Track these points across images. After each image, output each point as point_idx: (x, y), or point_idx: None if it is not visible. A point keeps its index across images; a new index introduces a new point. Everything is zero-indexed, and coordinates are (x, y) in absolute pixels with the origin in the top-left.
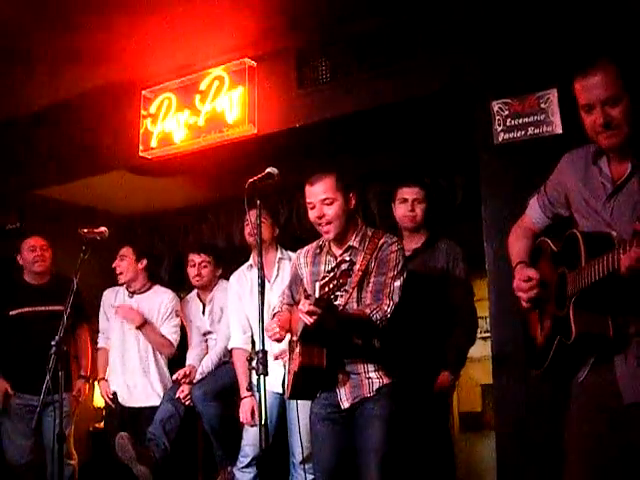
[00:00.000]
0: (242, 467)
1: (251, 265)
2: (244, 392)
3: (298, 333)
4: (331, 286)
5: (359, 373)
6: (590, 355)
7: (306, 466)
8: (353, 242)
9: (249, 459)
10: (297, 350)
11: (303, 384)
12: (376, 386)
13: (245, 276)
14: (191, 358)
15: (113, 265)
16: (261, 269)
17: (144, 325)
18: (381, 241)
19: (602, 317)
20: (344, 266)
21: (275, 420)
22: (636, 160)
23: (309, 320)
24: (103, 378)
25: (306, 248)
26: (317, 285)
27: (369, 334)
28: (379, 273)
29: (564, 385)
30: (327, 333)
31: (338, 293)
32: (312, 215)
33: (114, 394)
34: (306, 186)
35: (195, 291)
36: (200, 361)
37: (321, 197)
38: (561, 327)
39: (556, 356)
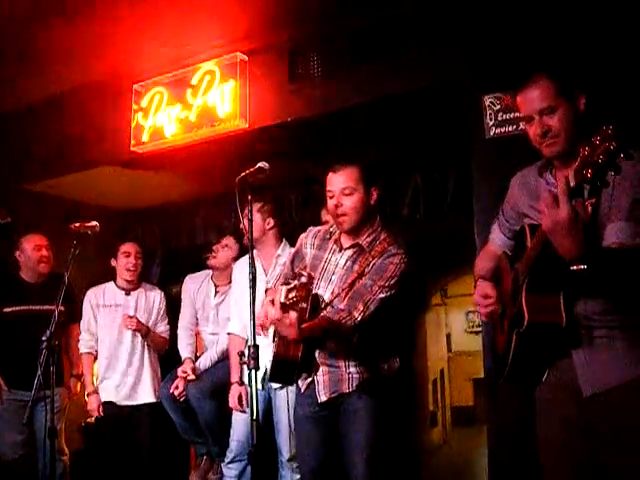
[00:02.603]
0: (227, 462)
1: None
2: (234, 378)
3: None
4: (293, 295)
5: (339, 367)
6: (549, 349)
7: (294, 465)
8: (363, 242)
9: (233, 454)
10: (277, 338)
11: (281, 371)
12: (356, 382)
13: (246, 268)
14: (186, 350)
15: (131, 265)
16: (252, 265)
17: (148, 333)
18: (387, 248)
19: (554, 299)
20: (303, 279)
21: (261, 417)
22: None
23: (283, 331)
24: (95, 392)
25: (317, 228)
26: (283, 290)
27: (343, 337)
28: (370, 277)
29: (529, 388)
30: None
31: (301, 304)
32: (330, 204)
33: (104, 404)
34: (329, 174)
35: (209, 273)
36: (192, 352)
37: (341, 186)
38: (516, 319)
39: (516, 354)
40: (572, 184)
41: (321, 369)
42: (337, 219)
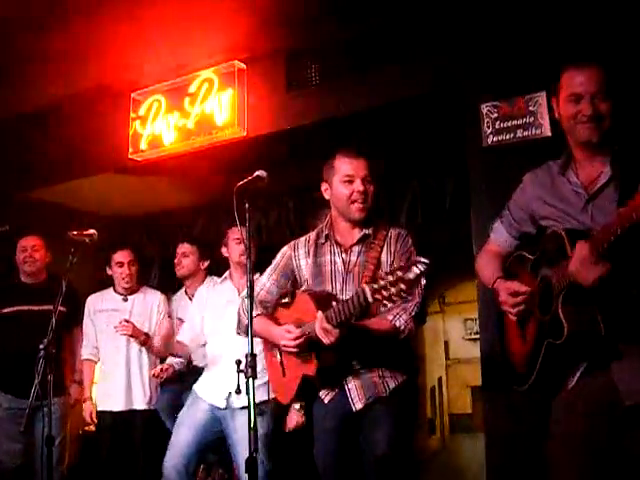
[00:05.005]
0: None
1: (225, 278)
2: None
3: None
4: (393, 291)
5: (371, 371)
6: (581, 359)
7: None
8: (368, 231)
9: None
10: (307, 355)
11: (310, 387)
12: (392, 385)
13: (215, 288)
14: (171, 358)
15: (125, 274)
16: (251, 270)
17: (147, 341)
18: (393, 232)
19: (591, 312)
20: (415, 270)
21: (210, 437)
22: (615, 164)
23: (327, 340)
24: (89, 398)
25: (304, 238)
26: (367, 289)
27: (388, 340)
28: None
29: (552, 396)
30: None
31: (387, 302)
32: (348, 189)
33: (104, 414)
34: (343, 158)
35: (183, 289)
36: (179, 364)
37: (365, 173)
38: (549, 329)
39: (545, 363)
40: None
41: (352, 378)
42: (354, 205)
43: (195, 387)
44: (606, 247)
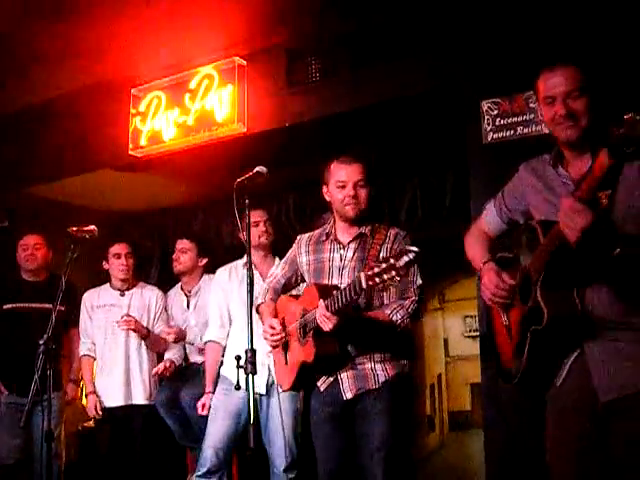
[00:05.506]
0: (200, 475)
1: (246, 262)
2: (209, 388)
3: (312, 327)
4: (385, 278)
5: (364, 363)
6: (565, 346)
7: (289, 475)
8: (365, 230)
9: (208, 465)
10: (307, 342)
11: (309, 375)
12: (382, 379)
13: (237, 272)
14: (171, 354)
15: (122, 266)
16: (250, 269)
17: (148, 335)
18: (392, 232)
19: (569, 293)
20: (405, 258)
21: (246, 423)
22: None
23: (327, 327)
24: (93, 392)
25: (308, 235)
26: (362, 276)
27: (384, 333)
28: None
29: (543, 391)
30: (341, 332)
31: (381, 287)
32: (341, 194)
33: (103, 410)
34: (337, 164)
35: (178, 285)
36: (180, 359)
37: (357, 178)
38: (531, 317)
39: (532, 353)
40: (607, 161)
41: (345, 368)
42: (348, 206)
43: (226, 374)
44: (588, 195)
